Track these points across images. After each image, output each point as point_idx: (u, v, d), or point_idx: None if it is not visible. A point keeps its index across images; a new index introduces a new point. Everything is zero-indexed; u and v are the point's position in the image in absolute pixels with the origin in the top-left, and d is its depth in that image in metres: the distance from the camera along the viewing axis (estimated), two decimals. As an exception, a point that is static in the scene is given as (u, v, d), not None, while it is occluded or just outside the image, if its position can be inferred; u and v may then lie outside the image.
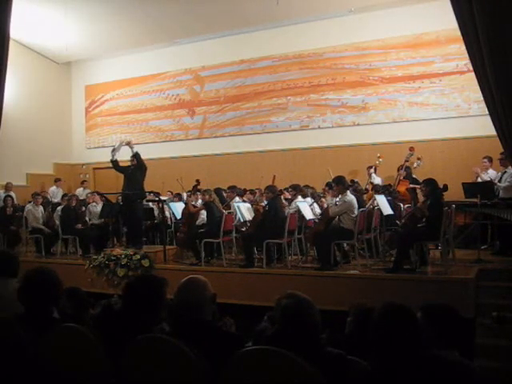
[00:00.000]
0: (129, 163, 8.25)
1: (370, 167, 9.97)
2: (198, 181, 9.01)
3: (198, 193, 8.96)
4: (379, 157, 9.98)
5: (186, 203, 8.69)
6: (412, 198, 8.73)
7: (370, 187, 9.26)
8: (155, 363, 2.30)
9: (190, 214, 7.92)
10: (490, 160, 8.04)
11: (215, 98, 12.96)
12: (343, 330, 2.93)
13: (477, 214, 7.32)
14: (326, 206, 7.63)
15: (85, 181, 12.81)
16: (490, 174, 7.91)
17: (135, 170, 8.02)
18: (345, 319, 2.96)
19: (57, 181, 12.56)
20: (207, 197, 7.61)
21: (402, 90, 10.92)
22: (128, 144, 8.17)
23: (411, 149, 9.44)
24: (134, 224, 8.04)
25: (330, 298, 5.64)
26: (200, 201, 8.80)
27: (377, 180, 9.76)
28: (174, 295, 2.48)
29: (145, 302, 2.51)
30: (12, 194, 10.39)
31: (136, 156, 8.03)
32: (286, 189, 8.77)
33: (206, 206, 7.57)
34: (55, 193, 12.10)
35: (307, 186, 9.07)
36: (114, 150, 8.11)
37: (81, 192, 11.97)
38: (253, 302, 6.01)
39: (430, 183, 6.13)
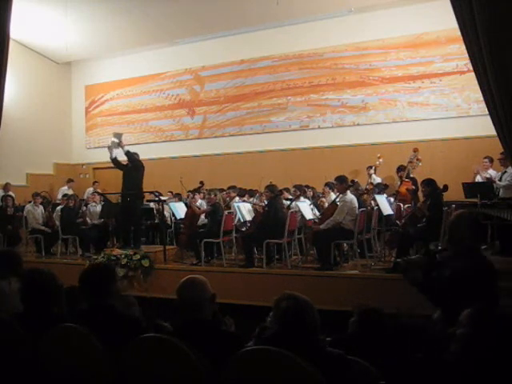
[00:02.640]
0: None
1: (370, 167, 9.96)
2: (201, 182, 8.98)
3: (197, 193, 8.94)
4: (379, 157, 9.97)
5: (187, 204, 8.69)
6: (412, 198, 8.73)
7: (370, 187, 9.26)
8: (155, 363, 2.30)
9: (193, 215, 7.92)
10: (491, 160, 8.02)
11: (215, 98, 12.96)
12: (343, 330, 2.92)
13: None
14: (326, 205, 7.64)
15: (96, 182, 12.67)
16: (491, 173, 7.90)
17: (131, 168, 8.00)
18: (345, 319, 2.95)
19: (69, 181, 12.53)
20: (215, 197, 7.60)
21: (401, 90, 10.92)
22: (118, 141, 8.03)
23: (415, 149, 9.40)
24: (133, 224, 8.03)
25: (330, 298, 5.64)
26: (200, 201, 8.80)
27: (377, 180, 9.74)
28: (176, 296, 2.50)
29: (96, 287, 2.69)
30: (11, 193, 10.36)
31: (127, 155, 7.99)
32: (286, 189, 8.77)
33: (214, 207, 7.56)
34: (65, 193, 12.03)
35: (307, 186, 9.07)
36: (109, 148, 8.08)
37: (91, 192, 11.89)
38: (253, 301, 6.01)
39: (430, 183, 6.14)
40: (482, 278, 2.79)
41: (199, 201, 8.82)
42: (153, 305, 5.97)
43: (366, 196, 8.57)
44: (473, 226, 2.97)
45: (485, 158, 8.11)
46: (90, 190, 12.22)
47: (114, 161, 8.10)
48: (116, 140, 8.02)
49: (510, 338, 1.76)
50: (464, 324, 1.87)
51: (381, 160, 9.95)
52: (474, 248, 2.94)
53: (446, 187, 6.31)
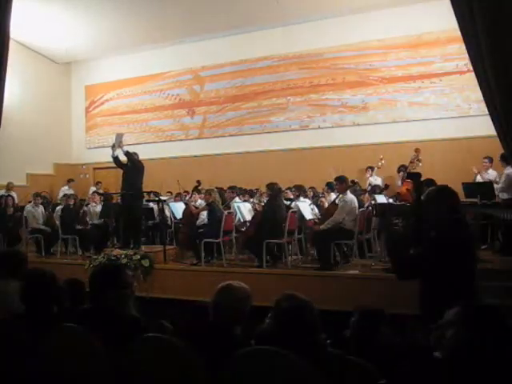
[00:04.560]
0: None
1: (371, 169, 9.97)
2: (198, 181, 8.99)
3: (196, 193, 8.94)
4: (381, 158, 9.96)
5: (186, 204, 8.68)
6: (413, 197, 8.72)
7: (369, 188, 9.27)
8: (155, 363, 2.30)
9: (191, 214, 7.92)
10: (491, 160, 8.02)
11: (215, 97, 12.96)
12: (343, 330, 2.93)
13: (477, 214, 7.31)
14: (326, 205, 7.64)
15: (99, 182, 12.64)
16: (491, 174, 7.90)
17: (131, 168, 8.00)
18: (345, 319, 2.96)
19: (69, 181, 12.51)
20: (209, 196, 7.59)
21: (401, 90, 10.93)
22: (119, 141, 8.04)
23: (417, 150, 9.39)
24: (132, 224, 8.03)
25: (329, 297, 5.64)
26: (199, 201, 8.80)
27: (377, 181, 9.74)
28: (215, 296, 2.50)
29: (106, 286, 2.64)
30: (13, 193, 10.35)
31: (126, 155, 8.00)
32: (290, 188, 8.77)
33: (210, 206, 7.55)
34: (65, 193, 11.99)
35: (301, 187, 9.04)
36: (113, 146, 8.09)
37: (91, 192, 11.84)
38: (253, 302, 6.00)
39: (412, 176, 5.99)
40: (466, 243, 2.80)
41: (199, 201, 8.82)
42: (153, 305, 5.97)
43: (366, 196, 8.58)
44: (447, 198, 2.95)
45: (485, 158, 8.11)
46: (93, 189, 12.22)
47: (116, 159, 8.11)
48: (116, 141, 8.04)
49: (505, 333, 1.74)
50: (454, 323, 1.79)
51: (383, 161, 9.94)
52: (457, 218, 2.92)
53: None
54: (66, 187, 12.34)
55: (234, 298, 2.45)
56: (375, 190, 8.42)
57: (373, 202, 7.58)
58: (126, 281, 2.76)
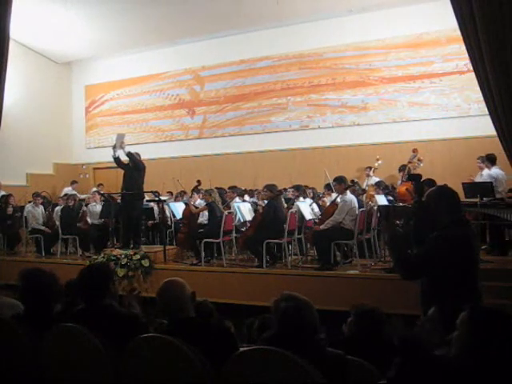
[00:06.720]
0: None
1: (370, 169, 9.97)
2: (198, 181, 8.98)
3: (195, 193, 8.93)
4: (378, 159, 9.96)
5: (186, 204, 8.68)
6: (412, 198, 8.71)
7: (368, 188, 9.27)
8: (155, 363, 2.30)
9: (191, 214, 7.92)
10: (483, 161, 7.94)
11: (215, 97, 12.96)
12: (342, 330, 2.93)
13: (477, 214, 7.31)
14: (327, 205, 7.63)
15: (101, 184, 12.45)
16: (485, 174, 7.83)
17: (132, 169, 8.00)
18: (345, 319, 2.96)
19: (73, 183, 12.51)
20: (209, 197, 7.59)
21: (401, 90, 10.92)
22: (120, 142, 8.03)
23: (414, 150, 9.38)
24: (132, 224, 8.03)
25: (329, 297, 5.65)
26: (199, 201, 8.79)
27: (376, 180, 9.73)
28: (157, 300, 2.56)
29: (95, 286, 2.69)
30: (3, 192, 10.22)
31: (128, 156, 7.99)
32: (290, 188, 8.77)
33: (209, 206, 7.55)
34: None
35: (306, 187, 9.07)
36: (114, 147, 8.08)
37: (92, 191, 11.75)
38: (253, 301, 6.01)
39: (413, 178, 5.95)
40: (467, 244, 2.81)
41: (198, 200, 8.82)
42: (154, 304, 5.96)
43: (369, 194, 8.59)
44: (448, 200, 2.95)
45: (478, 158, 7.95)
46: (94, 189, 12.18)
47: (116, 160, 8.10)
48: (117, 142, 8.03)
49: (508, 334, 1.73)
50: (460, 324, 1.81)
51: (379, 162, 9.95)
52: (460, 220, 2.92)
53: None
54: (70, 188, 12.25)
55: (176, 291, 2.55)
56: (380, 185, 8.42)
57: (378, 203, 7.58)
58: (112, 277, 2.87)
